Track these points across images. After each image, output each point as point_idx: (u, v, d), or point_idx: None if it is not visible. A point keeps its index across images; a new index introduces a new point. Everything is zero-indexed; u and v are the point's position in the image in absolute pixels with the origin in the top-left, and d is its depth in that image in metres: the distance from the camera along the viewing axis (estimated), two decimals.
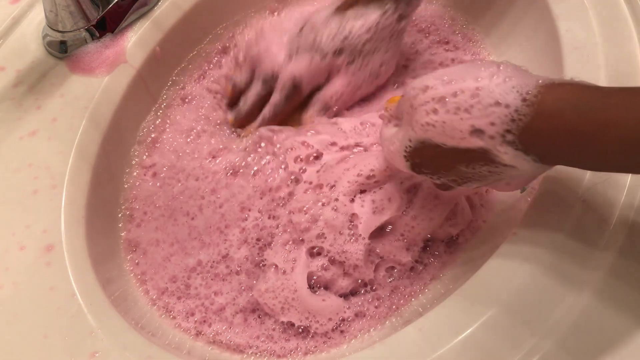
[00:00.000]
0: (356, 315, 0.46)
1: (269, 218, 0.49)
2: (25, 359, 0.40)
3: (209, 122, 0.58)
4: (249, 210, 0.50)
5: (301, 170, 0.50)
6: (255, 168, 0.52)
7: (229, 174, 0.53)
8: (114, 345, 0.40)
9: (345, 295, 0.47)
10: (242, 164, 0.53)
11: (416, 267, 0.47)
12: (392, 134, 0.41)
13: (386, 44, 0.54)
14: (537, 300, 0.37)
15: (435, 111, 0.36)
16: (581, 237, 0.39)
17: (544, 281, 0.38)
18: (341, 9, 0.54)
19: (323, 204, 0.47)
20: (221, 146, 0.55)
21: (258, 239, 0.49)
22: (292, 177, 0.50)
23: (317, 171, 0.49)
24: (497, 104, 0.33)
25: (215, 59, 0.62)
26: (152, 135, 0.57)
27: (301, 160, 0.50)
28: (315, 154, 0.51)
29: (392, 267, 0.47)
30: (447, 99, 0.35)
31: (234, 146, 0.54)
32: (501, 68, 0.34)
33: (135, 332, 0.42)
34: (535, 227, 0.40)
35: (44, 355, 0.40)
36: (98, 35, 0.55)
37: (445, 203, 0.46)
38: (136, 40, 0.56)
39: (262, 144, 0.53)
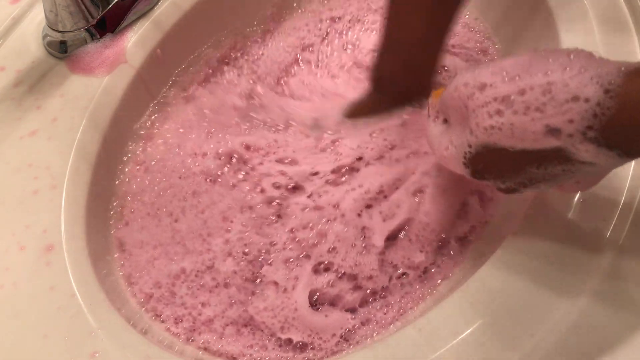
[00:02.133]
0: (362, 323, 0.44)
1: (256, 234, 0.48)
2: (25, 359, 0.40)
3: (203, 122, 0.57)
4: (231, 222, 0.49)
5: (283, 197, 0.49)
6: (233, 181, 0.51)
7: (208, 179, 0.52)
8: (114, 345, 0.40)
9: (353, 309, 0.45)
10: (219, 173, 0.52)
11: (429, 268, 0.46)
12: (441, 132, 0.38)
13: None
14: (537, 300, 0.37)
15: (499, 112, 0.32)
16: (581, 238, 0.39)
17: (544, 281, 0.37)
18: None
19: (329, 220, 0.46)
20: (200, 150, 0.55)
21: (245, 253, 0.47)
22: (276, 201, 0.49)
23: (309, 196, 0.48)
24: (575, 98, 0.29)
25: (215, 60, 0.62)
26: (144, 131, 0.56)
27: (279, 187, 0.49)
28: (293, 185, 0.49)
29: (405, 274, 0.45)
30: (512, 98, 0.31)
31: (208, 152, 0.54)
32: (572, 57, 0.31)
33: (135, 332, 0.42)
34: (535, 227, 0.40)
35: (44, 355, 0.39)
36: (98, 35, 0.55)
37: (455, 196, 0.45)
38: (136, 41, 0.56)
39: (235, 156, 0.52)
